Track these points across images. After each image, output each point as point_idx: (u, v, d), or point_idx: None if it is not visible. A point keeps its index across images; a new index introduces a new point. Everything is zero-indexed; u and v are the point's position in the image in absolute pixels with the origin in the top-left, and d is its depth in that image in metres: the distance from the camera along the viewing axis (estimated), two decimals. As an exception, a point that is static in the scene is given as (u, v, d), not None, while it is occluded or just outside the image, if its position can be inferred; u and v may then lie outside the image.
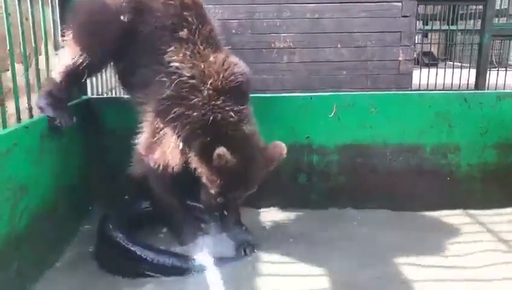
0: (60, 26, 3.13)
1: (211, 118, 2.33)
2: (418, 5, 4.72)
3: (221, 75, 2.39)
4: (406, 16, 4.46)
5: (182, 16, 2.48)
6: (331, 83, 4.49)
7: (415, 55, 6.16)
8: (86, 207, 3.16)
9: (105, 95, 4.35)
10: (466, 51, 8.28)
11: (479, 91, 5.41)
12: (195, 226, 2.77)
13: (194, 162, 2.42)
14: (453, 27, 7.95)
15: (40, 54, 2.88)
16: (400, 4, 4.42)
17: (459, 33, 9.19)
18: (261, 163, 2.46)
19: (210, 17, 2.62)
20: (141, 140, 2.58)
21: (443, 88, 6.69)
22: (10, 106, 2.63)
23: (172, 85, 2.39)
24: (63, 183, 2.75)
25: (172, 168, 2.46)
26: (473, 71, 6.38)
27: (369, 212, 3.24)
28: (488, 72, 6.28)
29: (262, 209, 3.29)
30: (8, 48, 2.43)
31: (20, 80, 2.57)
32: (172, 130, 2.41)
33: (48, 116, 2.57)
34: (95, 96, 3.64)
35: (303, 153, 3.27)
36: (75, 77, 2.67)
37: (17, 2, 2.58)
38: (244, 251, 2.65)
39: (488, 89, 6.38)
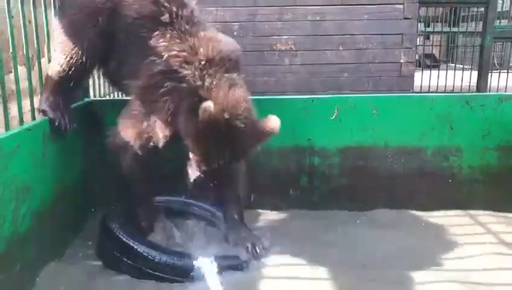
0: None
1: (200, 83, 2.33)
2: (419, 7, 4.73)
3: (210, 47, 2.40)
4: (408, 18, 4.46)
5: (159, 3, 2.52)
6: (332, 85, 4.50)
7: (416, 57, 6.17)
8: (87, 208, 3.17)
9: (107, 97, 4.36)
10: (468, 53, 8.28)
11: (481, 93, 5.41)
12: (153, 216, 2.80)
13: (181, 129, 2.37)
14: (455, 29, 7.96)
15: (42, 57, 2.89)
16: (401, 6, 4.42)
17: (461, 35, 9.21)
18: (251, 129, 2.34)
19: (188, 1, 2.64)
20: (127, 112, 2.60)
21: (445, 90, 6.69)
22: (13, 108, 2.64)
23: (163, 60, 2.42)
24: (65, 184, 2.76)
25: (154, 143, 2.47)
26: (475, 73, 6.37)
27: (370, 215, 3.25)
28: (490, 74, 6.27)
29: (263, 211, 3.29)
30: (11, 50, 2.45)
31: (23, 82, 2.58)
32: (163, 104, 2.41)
33: (49, 118, 2.60)
34: (97, 98, 3.65)
35: (304, 156, 3.28)
36: (68, 80, 2.68)
37: (20, 5, 2.59)
38: (255, 252, 2.63)
39: (489, 91, 6.38)
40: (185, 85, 2.35)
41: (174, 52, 2.41)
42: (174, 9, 2.52)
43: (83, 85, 3.11)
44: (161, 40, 2.47)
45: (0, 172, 2.03)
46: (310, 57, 4.46)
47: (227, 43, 2.52)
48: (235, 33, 4.38)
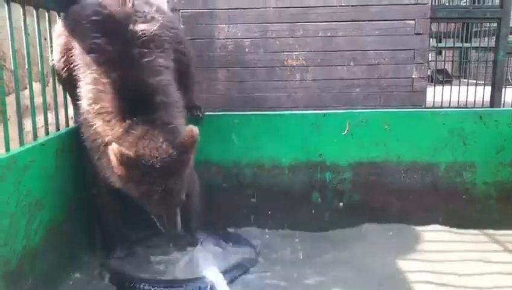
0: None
1: (108, 138, 2.29)
2: (431, 23, 4.71)
3: (115, 94, 2.31)
4: (419, 34, 4.45)
5: (90, 38, 2.40)
6: (344, 100, 4.48)
7: (428, 73, 6.14)
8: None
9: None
10: (480, 68, 8.23)
11: (494, 109, 5.35)
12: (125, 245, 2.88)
13: (112, 179, 2.37)
14: (467, 44, 7.92)
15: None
16: (413, 22, 4.42)
17: (473, 50, 9.15)
18: (168, 147, 2.23)
19: (130, 25, 2.41)
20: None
21: (457, 106, 6.64)
22: (27, 124, 2.68)
23: (84, 112, 2.42)
24: (77, 200, 2.78)
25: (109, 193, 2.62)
26: (488, 89, 6.32)
27: (382, 231, 3.21)
28: (504, 89, 6.21)
29: (274, 230, 3.27)
30: (26, 67, 2.49)
31: (38, 98, 2.62)
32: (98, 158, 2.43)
33: None
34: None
35: (316, 171, 3.26)
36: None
37: (36, 22, 2.64)
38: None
39: (503, 107, 6.31)
40: (98, 141, 2.35)
41: (91, 103, 2.37)
42: (101, 43, 2.38)
43: None
44: (84, 83, 2.42)
45: (13, 187, 2.05)
46: (321, 72, 4.46)
47: (137, 85, 2.34)
48: (247, 49, 4.40)
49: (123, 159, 2.13)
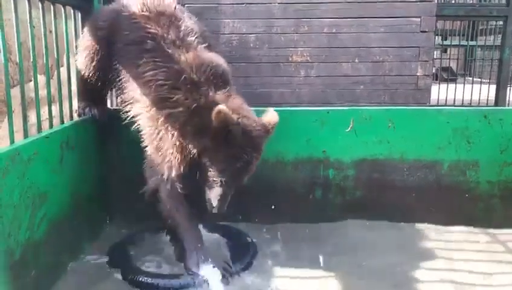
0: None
1: (195, 105, 2.35)
2: (436, 20, 4.70)
3: (194, 69, 2.42)
4: (425, 32, 4.44)
5: (145, 29, 2.59)
6: (348, 97, 4.48)
7: (433, 71, 6.13)
8: (103, 217, 3.20)
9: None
10: (486, 66, 8.20)
11: (499, 107, 5.33)
12: (203, 252, 2.58)
13: (194, 147, 2.38)
14: (473, 42, 7.90)
15: (61, 66, 2.94)
16: (418, 19, 4.40)
17: (479, 48, 9.13)
18: (258, 126, 2.38)
19: (180, 21, 2.67)
20: (147, 156, 2.65)
21: (462, 104, 6.62)
22: (32, 116, 2.69)
23: (152, 91, 2.47)
24: (81, 192, 2.79)
25: (178, 172, 2.47)
26: (493, 87, 6.30)
27: (385, 229, 3.21)
28: (509, 88, 6.19)
29: (276, 225, 3.27)
30: (31, 59, 2.50)
31: (42, 91, 2.63)
32: (166, 133, 2.45)
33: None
34: (114, 107, 3.69)
35: (319, 167, 3.26)
36: (88, 87, 3.00)
37: (41, 16, 2.65)
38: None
39: (508, 105, 6.29)
40: (180, 109, 2.38)
41: (160, 82, 2.44)
42: (159, 35, 2.56)
43: (104, 90, 3.16)
44: (147, 68, 2.50)
45: (17, 179, 2.06)
46: (325, 69, 4.46)
47: (211, 62, 2.51)
48: (251, 45, 4.40)
49: (227, 120, 2.20)
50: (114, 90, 3.28)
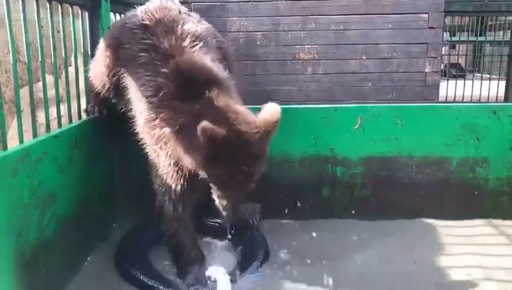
0: (89, 39, 3.22)
1: (180, 124, 2.22)
2: (445, 16, 4.66)
3: (174, 81, 2.30)
4: (433, 28, 4.40)
5: (141, 41, 2.51)
6: (355, 94, 4.46)
7: (442, 67, 6.08)
8: (111, 217, 3.21)
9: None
10: (495, 62, 8.12)
11: (509, 103, 5.29)
12: (204, 269, 2.57)
13: (188, 167, 2.28)
14: (481, 38, 7.82)
15: (69, 66, 2.96)
16: (426, 16, 4.37)
17: (488, 44, 9.04)
18: (254, 129, 2.16)
19: (179, 25, 2.55)
20: (151, 172, 2.60)
21: (471, 100, 6.58)
22: (40, 116, 2.71)
23: (144, 109, 2.39)
24: (89, 192, 2.81)
25: (177, 193, 2.42)
26: (502, 83, 6.25)
27: (394, 226, 3.20)
28: (518, 84, 6.13)
29: (284, 221, 3.27)
30: (39, 59, 2.51)
31: (51, 90, 2.65)
32: (161, 152, 2.38)
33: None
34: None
35: (327, 165, 3.26)
36: (99, 92, 2.92)
37: (49, 16, 2.66)
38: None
39: (518, 102, 6.23)
40: (167, 130, 2.28)
41: (148, 99, 2.36)
42: (153, 43, 2.46)
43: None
44: (139, 83, 2.44)
45: (26, 178, 2.08)
46: (333, 66, 4.44)
47: (192, 67, 2.35)
48: (258, 42, 4.39)
49: (215, 136, 2.00)
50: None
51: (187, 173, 2.37)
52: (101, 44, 2.88)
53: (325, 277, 2.57)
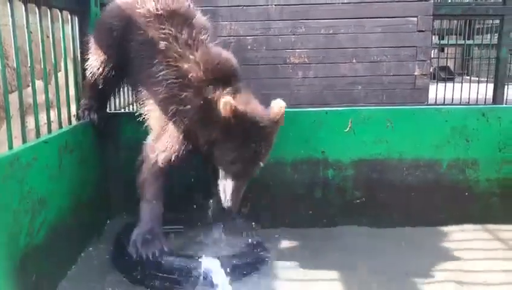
0: (78, 44, 3.21)
1: (203, 102, 2.46)
2: (433, 19, 4.72)
3: (202, 67, 2.53)
4: (422, 31, 4.45)
5: (159, 29, 2.66)
6: (346, 97, 4.49)
7: (431, 70, 6.14)
8: (103, 221, 3.19)
9: (123, 110, 4.41)
10: (483, 65, 8.21)
11: (497, 105, 5.34)
12: (157, 226, 2.63)
13: (204, 138, 2.49)
14: (470, 41, 7.91)
15: (59, 71, 2.94)
16: (415, 19, 4.42)
17: (476, 47, 9.15)
18: (265, 116, 2.46)
19: (193, 19, 2.76)
20: (148, 139, 2.74)
21: (460, 103, 6.64)
22: (30, 121, 2.69)
23: (163, 89, 2.58)
24: (80, 197, 2.79)
25: (171, 160, 2.57)
26: (491, 86, 6.32)
27: (385, 229, 3.20)
28: (506, 86, 6.21)
29: (276, 225, 3.26)
30: (29, 64, 2.50)
31: (40, 96, 2.63)
32: (172, 126, 2.58)
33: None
34: (113, 111, 3.70)
35: (318, 168, 3.26)
36: (97, 87, 3.00)
37: (38, 20, 2.65)
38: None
39: (506, 104, 6.30)
40: (189, 106, 2.50)
41: (171, 81, 2.56)
42: (172, 35, 2.63)
43: (112, 91, 3.23)
44: (160, 67, 2.60)
45: (16, 184, 2.06)
46: (323, 69, 4.47)
47: (219, 59, 2.61)
48: (249, 47, 4.41)
49: (235, 111, 2.29)
50: (117, 92, 3.40)
51: (184, 152, 2.56)
52: (104, 31, 2.90)
53: (319, 280, 2.57)
